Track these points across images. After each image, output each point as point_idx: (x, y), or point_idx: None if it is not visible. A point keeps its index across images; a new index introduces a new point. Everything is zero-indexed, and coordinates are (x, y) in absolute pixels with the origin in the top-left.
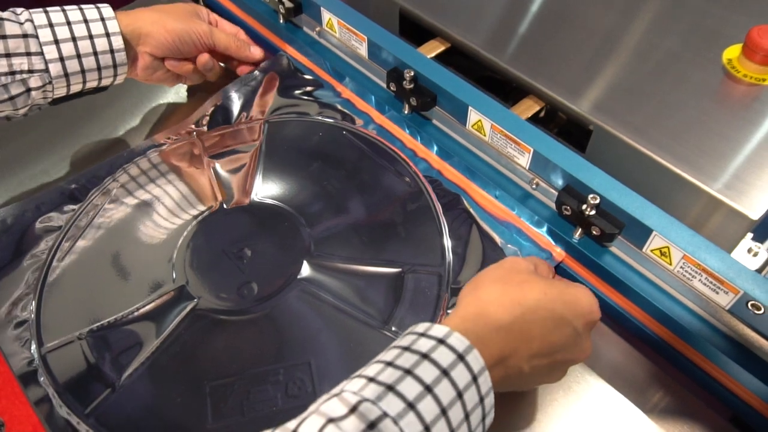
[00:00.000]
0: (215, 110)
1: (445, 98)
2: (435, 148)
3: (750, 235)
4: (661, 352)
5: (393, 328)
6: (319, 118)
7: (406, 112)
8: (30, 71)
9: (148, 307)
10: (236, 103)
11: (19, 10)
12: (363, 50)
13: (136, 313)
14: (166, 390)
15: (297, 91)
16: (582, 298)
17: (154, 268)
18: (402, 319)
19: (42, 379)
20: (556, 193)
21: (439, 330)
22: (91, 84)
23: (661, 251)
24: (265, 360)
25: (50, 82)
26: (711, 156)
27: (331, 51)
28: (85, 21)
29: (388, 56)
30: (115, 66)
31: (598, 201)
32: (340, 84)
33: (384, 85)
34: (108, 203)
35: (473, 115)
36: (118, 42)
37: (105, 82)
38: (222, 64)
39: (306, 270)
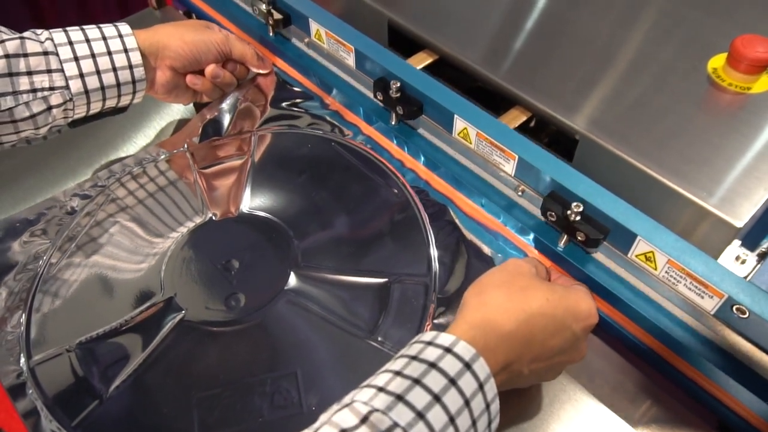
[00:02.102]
0: (207, 123)
1: (431, 107)
2: (422, 158)
3: (737, 242)
4: (648, 361)
5: (379, 338)
6: (308, 129)
7: (393, 122)
8: (51, 88)
9: (136, 319)
10: (227, 116)
11: (39, 30)
12: (351, 60)
13: (124, 326)
14: (153, 402)
15: (285, 103)
16: (581, 302)
17: (142, 280)
18: (388, 330)
19: (30, 391)
20: (542, 200)
21: (445, 339)
22: (111, 102)
23: (646, 256)
24: (252, 371)
25: (71, 99)
26: (696, 164)
27: (320, 63)
28: (104, 38)
29: (375, 66)
30: (134, 82)
31: (581, 208)
32: (328, 96)
33: (371, 96)
34: (99, 215)
35: (459, 123)
36: (136, 57)
37: (124, 100)
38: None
39: (293, 281)
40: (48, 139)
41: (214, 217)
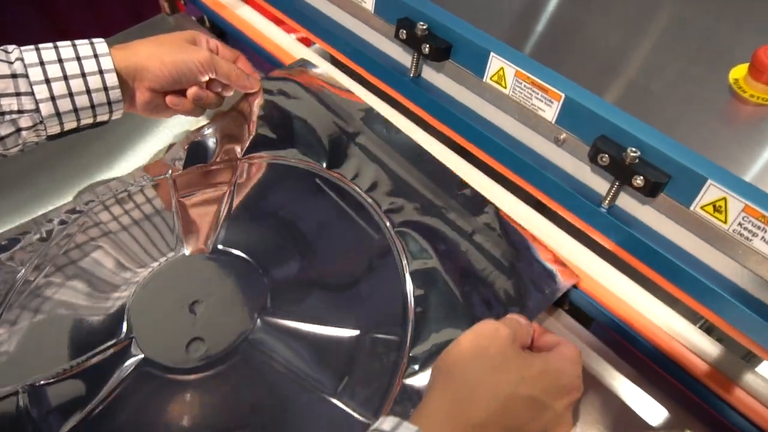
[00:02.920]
0: (192, 146)
1: (462, 46)
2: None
3: None
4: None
5: (344, 398)
6: (293, 161)
7: (412, 73)
8: (20, 111)
9: (93, 360)
10: (212, 140)
11: (10, 47)
12: (369, 4)
13: (80, 366)
14: None
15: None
16: (563, 375)
17: (104, 318)
18: (354, 388)
19: None
20: (587, 148)
21: (407, 430)
22: (86, 121)
23: (714, 206)
24: (207, 424)
25: (41, 122)
26: None
27: (322, 12)
28: (78, 58)
29: (398, 5)
30: (109, 103)
31: (639, 153)
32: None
33: (388, 42)
34: (70, 245)
35: (495, 63)
36: (112, 80)
37: (101, 118)
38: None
39: (259, 329)
40: (25, 150)
41: (186, 252)
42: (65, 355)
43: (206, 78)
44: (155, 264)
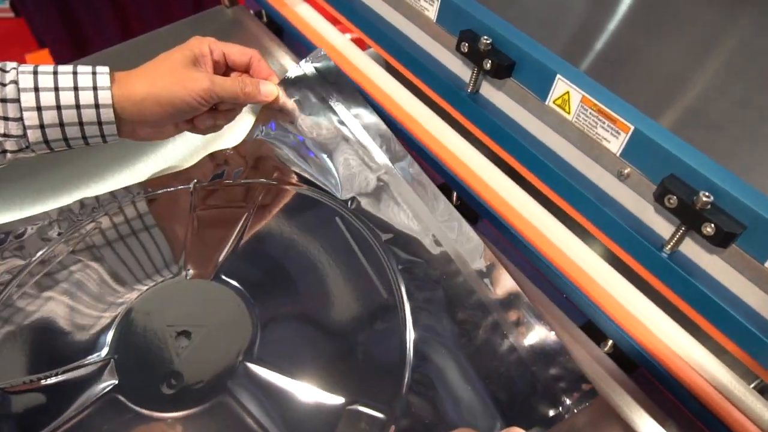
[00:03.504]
0: (219, 160)
1: (527, 64)
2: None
3: None
4: None
5: None
6: (317, 193)
7: (470, 89)
8: (5, 135)
9: (63, 377)
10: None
11: (9, 66)
12: (432, 12)
13: (50, 380)
14: None
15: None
16: None
17: (88, 333)
18: None
19: None
20: (653, 186)
21: None
22: (77, 143)
23: None
24: None
25: (28, 146)
26: None
27: (376, 12)
28: (75, 89)
29: (462, 17)
30: (102, 135)
31: (712, 198)
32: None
33: (449, 54)
34: (67, 253)
35: (560, 86)
36: (108, 115)
37: (93, 144)
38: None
39: (241, 375)
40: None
41: (186, 275)
42: (37, 367)
43: (211, 105)
44: (152, 283)
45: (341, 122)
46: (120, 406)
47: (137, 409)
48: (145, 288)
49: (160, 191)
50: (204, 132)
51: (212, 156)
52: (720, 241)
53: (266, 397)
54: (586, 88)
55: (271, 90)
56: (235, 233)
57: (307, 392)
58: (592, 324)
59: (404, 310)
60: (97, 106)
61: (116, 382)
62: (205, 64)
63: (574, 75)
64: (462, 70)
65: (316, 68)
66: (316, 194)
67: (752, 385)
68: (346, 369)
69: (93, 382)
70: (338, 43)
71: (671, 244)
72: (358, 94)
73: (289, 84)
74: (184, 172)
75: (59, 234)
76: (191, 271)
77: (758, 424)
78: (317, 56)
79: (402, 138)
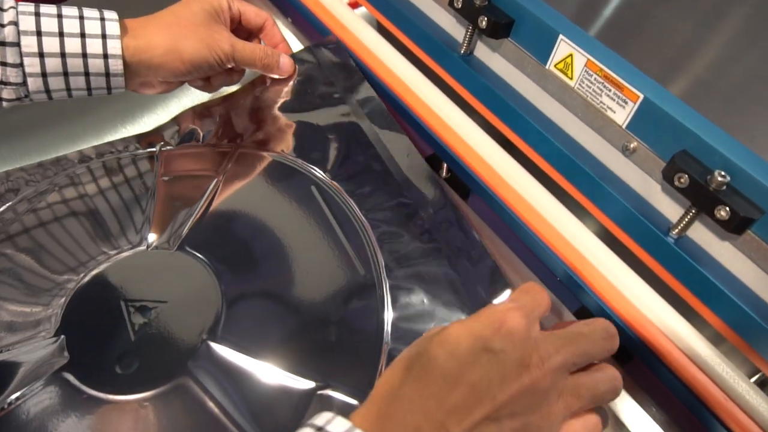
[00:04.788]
0: (195, 120)
1: (527, 23)
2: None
3: None
4: None
5: None
6: (290, 158)
7: (463, 50)
8: (3, 83)
9: (8, 354)
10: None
11: (7, 3)
12: None
13: None
14: None
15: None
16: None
17: (40, 305)
18: None
19: None
20: (661, 163)
21: (340, 425)
22: (80, 94)
23: None
24: None
25: (27, 96)
26: None
27: None
28: (83, 35)
29: None
30: (109, 88)
31: (728, 178)
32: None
33: (441, 9)
34: (24, 214)
35: (562, 48)
36: (116, 66)
37: (97, 94)
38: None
39: (203, 356)
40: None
41: (147, 247)
42: None
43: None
44: (111, 253)
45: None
46: (69, 387)
47: (87, 390)
48: (103, 259)
49: (121, 155)
50: (215, 89)
51: (187, 114)
52: (734, 227)
53: (230, 380)
54: (591, 50)
55: (288, 65)
56: (203, 201)
57: (275, 375)
58: (586, 309)
59: (383, 288)
60: (105, 56)
61: (66, 360)
62: (225, 20)
63: (578, 36)
64: (455, 29)
65: (325, 56)
66: (291, 162)
67: (753, 380)
68: (317, 351)
69: (41, 361)
70: (327, 1)
71: (679, 228)
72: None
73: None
74: (152, 134)
75: (12, 191)
76: (153, 242)
77: (758, 421)
78: (329, 44)
79: (390, 104)
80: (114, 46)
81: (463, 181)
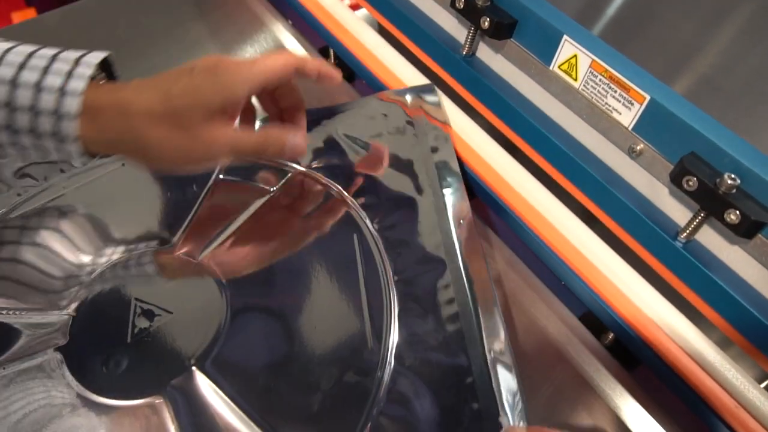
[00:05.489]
0: None
1: (530, 24)
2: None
3: None
4: None
5: None
6: (335, 187)
7: (465, 50)
8: None
9: (17, 317)
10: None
11: None
12: None
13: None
14: None
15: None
16: None
17: (58, 281)
18: None
19: None
20: (668, 165)
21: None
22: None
23: None
24: None
25: None
26: None
27: None
28: (32, 108)
29: None
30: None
31: (738, 181)
32: None
33: (442, 11)
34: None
35: (567, 49)
36: (69, 129)
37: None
38: None
39: (184, 382)
40: None
41: (176, 248)
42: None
43: None
44: (142, 245)
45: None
46: (54, 368)
47: (68, 376)
48: (131, 249)
49: None
50: None
51: None
52: (744, 231)
53: (201, 417)
54: (596, 51)
55: (298, 148)
56: (240, 217)
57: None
58: (592, 315)
59: (384, 372)
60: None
61: (64, 342)
62: (233, 114)
63: (583, 36)
64: (457, 30)
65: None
66: (333, 187)
67: (763, 385)
68: (294, 416)
69: (44, 338)
70: (327, 4)
71: (687, 232)
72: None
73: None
74: None
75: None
76: (180, 245)
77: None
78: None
79: None
80: (71, 104)
81: (466, 183)
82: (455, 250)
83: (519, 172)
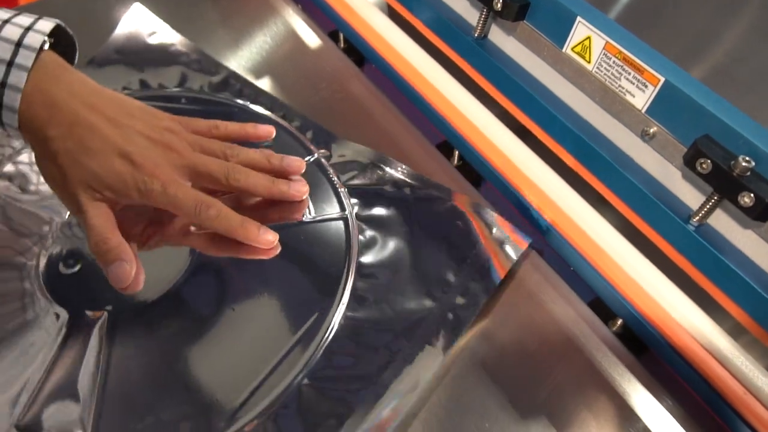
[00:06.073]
0: None
1: (543, 5)
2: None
3: None
4: None
5: None
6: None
7: (477, 32)
8: None
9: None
10: None
11: None
12: None
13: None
14: None
15: None
16: None
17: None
18: None
19: None
20: (681, 148)
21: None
22: None
23: None
24: None
25: None
26: None
27: None
28: None
29: None
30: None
31: (753, 164)
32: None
33: None
34: None
35: (580, 31)
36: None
37: None
38: None
39: (124, 314)
40: None
41: None
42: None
43: None
44: None
45: None
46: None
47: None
48: None
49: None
50: None
51: None
52: (759, 214)
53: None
54: (610, 33)
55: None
56: None
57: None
58: (601, 301)
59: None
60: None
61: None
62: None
63: (597, 18)
64: (468, 12)
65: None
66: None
67: None
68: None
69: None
70: None
71: (700, 215)
72: None
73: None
74: None
75: None
76: None
77: None
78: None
79: (401, 90)
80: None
81: (475, 168)
82: None
83: (528, 157)
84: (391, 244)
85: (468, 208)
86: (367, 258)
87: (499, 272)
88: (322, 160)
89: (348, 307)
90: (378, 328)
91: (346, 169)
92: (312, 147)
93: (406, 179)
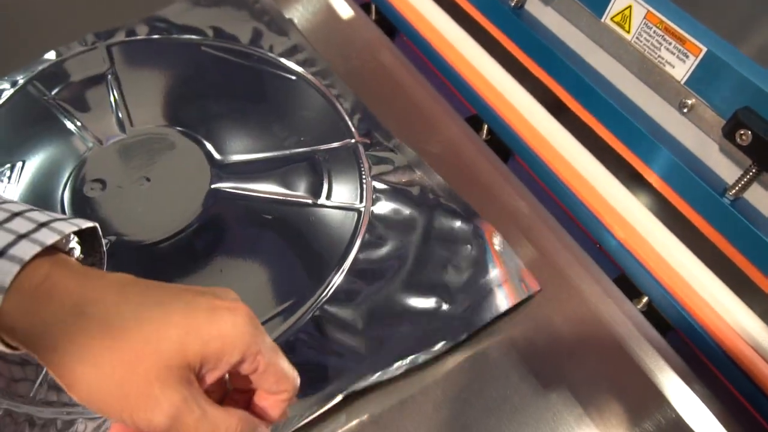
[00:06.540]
0: None
1: None
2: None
3: None
4: None
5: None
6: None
7: (513, 2)
8: None
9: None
10: None
11: None
12: None
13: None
14: None
15: None
16: None
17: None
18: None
19: None
20: (719, 120)
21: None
22: None
23: None
24: None
25: None
26: None
27: None
28: None
29: None
30: None
31: None
32: None
33: None
34: None
35: (621, 0)
36: None
37: None
38: None
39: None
40: None
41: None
42: None
43: None
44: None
45: None
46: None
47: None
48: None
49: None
50: None
51: None
52: None
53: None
54: (652, 2)
55: None
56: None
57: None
58: (626, 278)
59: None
60: None
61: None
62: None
63: None
64: None
65: None
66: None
67: None
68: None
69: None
70: None
71: (736, 189)
72: None
73: None
74: None
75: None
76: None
77: None
78: None
79: (431, 61)
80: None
81: (504, 142)
82: None
83: (557, 130)
84: (396, 248)
85: (491, 236)
86: (367, 256)
87: (510, 299)
88: (360, 147)
89: (329, 300)
90: (348, 331)
91: (381, 162)
92: (354, 131)
93: (435, 188)
